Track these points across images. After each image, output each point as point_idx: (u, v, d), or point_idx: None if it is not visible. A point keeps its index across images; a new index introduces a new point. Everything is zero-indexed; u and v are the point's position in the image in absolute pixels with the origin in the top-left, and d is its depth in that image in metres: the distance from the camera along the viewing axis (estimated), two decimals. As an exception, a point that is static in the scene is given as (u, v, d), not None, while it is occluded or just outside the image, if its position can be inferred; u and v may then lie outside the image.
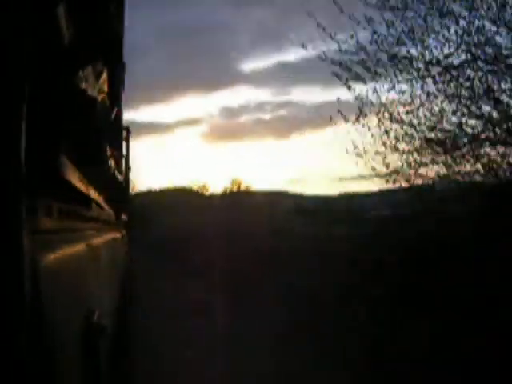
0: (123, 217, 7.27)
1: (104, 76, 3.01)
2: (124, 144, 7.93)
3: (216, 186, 36.25)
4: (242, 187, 35.40)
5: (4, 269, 0.84)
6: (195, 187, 36.94)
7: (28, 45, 0.91)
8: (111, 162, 4.29)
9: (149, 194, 35.22)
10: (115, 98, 4.68)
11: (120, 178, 6.26)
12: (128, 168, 8.38)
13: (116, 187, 5.14)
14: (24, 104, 0.89)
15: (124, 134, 7.93)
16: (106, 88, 3.21)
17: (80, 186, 1.81)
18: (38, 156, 1.08)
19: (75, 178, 1.66)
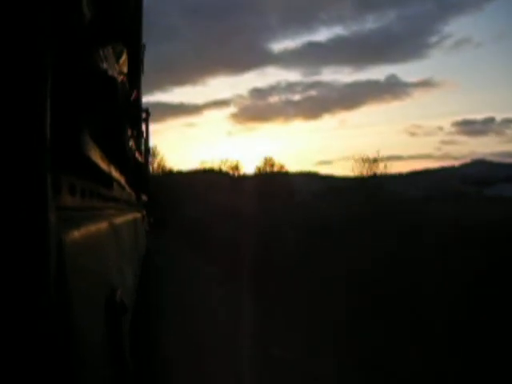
0: (143, 197, 7.34)
1: (124, 57, 3.02)
2: (143, 125, 7.97)
3: (247, 166, 36.14)
4: (276, 167, 35.20)
5: (29, 244, 0.85)
6: (226, 168, 36.81)
7: (50, 23, 0.91)
8: (131, 143, 4.31)
9: (179, 175, 35.22)
10: (135, 80, 4.69)
11: (140, 159, 6.30)
12: (147, 149, 8.44)
13: (136, 168, 5.17)
14: (48, 82, 0.89)
15: (143, 115, 7.97)
16: (125, 69, 3.22)
17: (102, 165, 1.83)
18: (62, 133, 1.09)
19: (98, 157, 1.67)
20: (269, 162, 35.44)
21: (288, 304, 8.13)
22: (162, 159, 35.71)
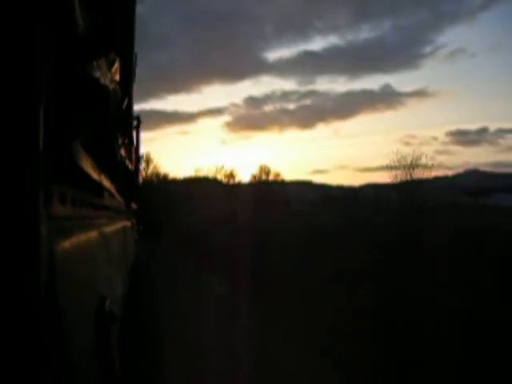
0: (133, 205, 7.31)
1: (116, 66, 3.02)
2: (134, 133, 7.96)
3: (242, 174, 35.80)
4: (271, 175, 35.00)
5: (20, 253, 0.85)
6: (220, 176, 36.54)
7: (44, 33, 0.92)
8: (122, 151, 4.31)
9: (173, 183, 34.99)
10: (127, 88, 4.69)
11: (130, 167, 6.29)
12: (138, 157, 8.42)
13: (126, 176, 5.16)
14: (42, 91, 0.90)
15: (134, 123, 7.96)
16: (117, 78, 3.22)
17: (93, 173, 1.83)
18: (53, 143, 1.09)
19: (88, 166, 1.68)
20: (264, 169, 35.31)
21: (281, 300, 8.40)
22: (156, 165, 35.66)
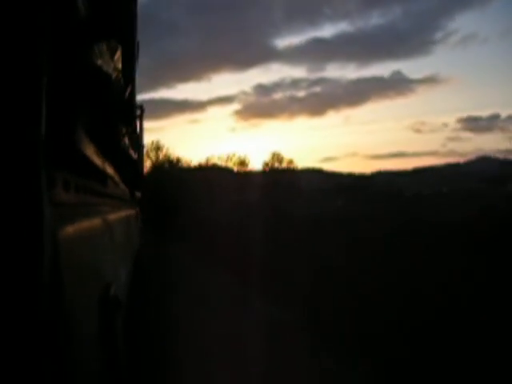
0: (137, 194, 7.32)
1: (118, 54, 3.01)
2: (138, 122, 7.96)
3: (253, 162, 35.34)
4: (284, 162, 34.52)
5: (24, 239, 0.85)
6: (232, 163, 36.14)
7: (46, 20, 0.92)
8: (125, 140, 4.31)
9: (185, 171, 34.77)
10: (129, 77, 4.68)
11: (134, 155, 6.29)
12: (141, 146, 8.43)
13: (130, 165, 5.16)
14: (44, 78, 0.90)
15: (138, 112, 7.96)
16: (120, 66, 3.21)
17: (96, 161, 1.83)
18: (56, 129, 1.09)
19: (92, 153, 1.68)
20: (277, 156, 34.85)
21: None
22: (168, 151, 34.98)
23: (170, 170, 34.03)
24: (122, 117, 3.41)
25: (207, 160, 37.17)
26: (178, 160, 35.22)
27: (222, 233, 15.48)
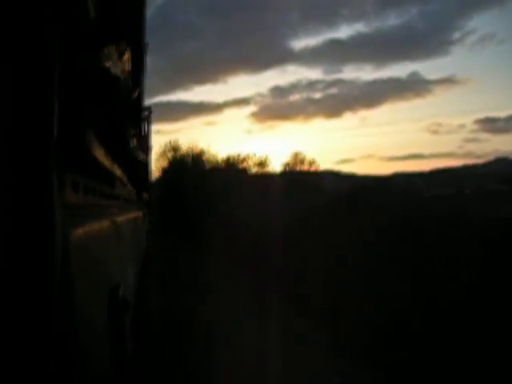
0: (144, 196, 7.35)
1: (127, 56, 3.02)
2: (145, 124, 7.99)
3: (271, 164, 34.76)
4: (306, 162, 33.89)
5: (36, 240, 0.86)
6: (251, 164, 35.53)
7: (56, 23, 0.93)
8: (133, 142, 4.33)
9: (207, 168, 34.34)
10: (137, 79, 4.70)
11: (141, 157, 6.31)
12: (148, 148, 8.46)
13: (137, 167, 5.18)
14: (55, 82, 0.90)
15: (146, 113, 7.99)
16: (128, 68, 3.23)
17: (105, 163, 1.84)
18: (67, 131, 1.10)
19: (101, 155, 1.69)
20: (298, 156, 34.09)
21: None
22: (190, 145, 34.05)
23: (193, 165, 33.33)
24: (130, 119, 3.43)
25: (223, 161, 36.62)
26: (201, 153, 34.15)
27: (258, 240, 14.40)
